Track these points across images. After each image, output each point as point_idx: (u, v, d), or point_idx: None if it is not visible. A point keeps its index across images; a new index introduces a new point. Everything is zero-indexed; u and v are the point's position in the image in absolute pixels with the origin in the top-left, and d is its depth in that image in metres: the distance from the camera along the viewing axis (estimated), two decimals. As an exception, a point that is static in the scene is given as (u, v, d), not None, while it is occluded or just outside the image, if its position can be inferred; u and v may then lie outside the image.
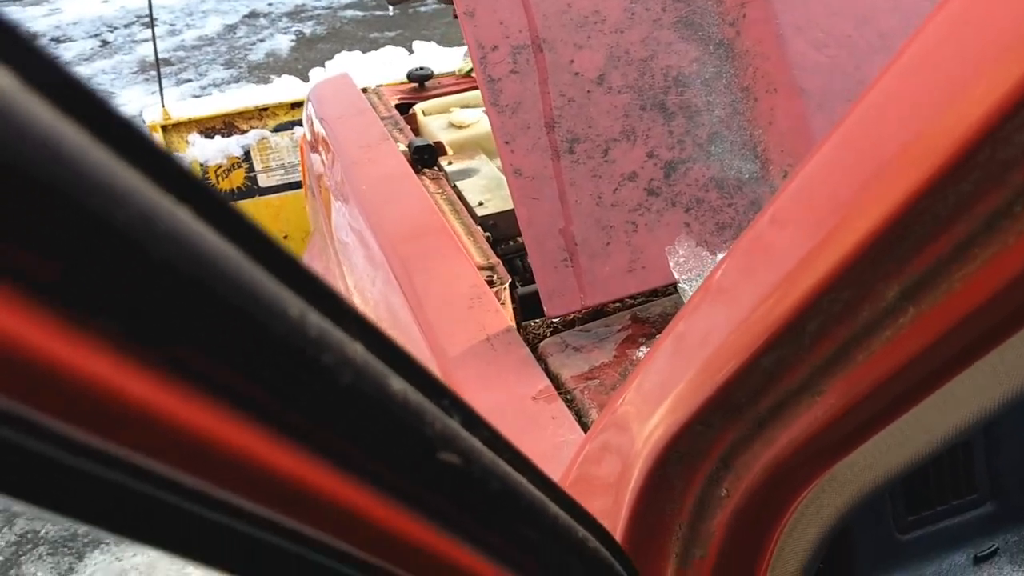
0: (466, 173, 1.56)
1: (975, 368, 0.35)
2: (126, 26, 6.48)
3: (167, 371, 0.20)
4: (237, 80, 5.33)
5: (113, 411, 0.19)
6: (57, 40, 6.41)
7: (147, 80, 5.43)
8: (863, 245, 0.33)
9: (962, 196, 0.30)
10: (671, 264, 0.89)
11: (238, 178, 3.06)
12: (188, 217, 0.19)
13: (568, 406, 0.81)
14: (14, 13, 6.98)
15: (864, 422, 0.39)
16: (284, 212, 3.09)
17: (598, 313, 0.94)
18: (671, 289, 0.94)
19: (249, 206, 3.01)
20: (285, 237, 3.09)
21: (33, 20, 6.82)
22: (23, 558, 2.14)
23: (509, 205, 1.28)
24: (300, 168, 2.98)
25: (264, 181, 3.08)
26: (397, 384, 0.25)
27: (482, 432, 0.29)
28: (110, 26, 6.50)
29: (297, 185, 3.01)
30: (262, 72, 5.41)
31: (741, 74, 0.96)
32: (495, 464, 0.30)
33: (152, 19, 2.46)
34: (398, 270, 1.15)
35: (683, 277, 0.89)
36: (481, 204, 1.42)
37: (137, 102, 5.15)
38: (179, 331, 0.19)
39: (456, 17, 1.00)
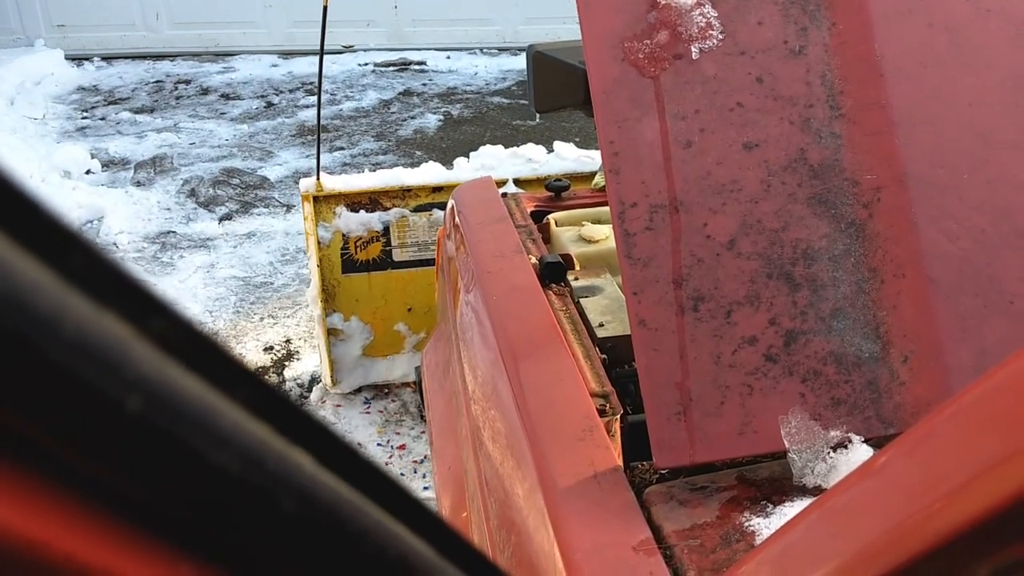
0: (590, 291, 1.62)
1: None
2: (291, 91, 6.98)
3: None
4: (385, 152, 5.64)
5: None
6: (227, 97, 6.96)
7: (304, 143, 5.82)
8: None
9: None
10: (783, 432, 0.92)
11: (375, 250, 3.24)
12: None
13: (667, 562, 0.84)
14: (193, 68, 7.63)
15: None
16: (412, 286, 3.25)
17: (705, 466, 0.97)
18: (779, 453, 0.96)
19: (381, 277, 3.19)
20: (410, 309, 3.25)
21: (208, 76, 7.45)
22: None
23: (627, 329, 1.33)
24: (432, 247, 3.13)
25: (398, 256, 3.25)
26: None
27: None
28: (277, 89, 7.02)
29: (427, 263, 3.18)
30: (408, 147, 5.70)
31: (870, 255, 0.99)
32: None
33: (319, 103, 2.67)
34: (516, 388, 1.21)
35: (793, 447, 0.92)
36: (602, 325, 1.47)
37: (293, 163, 5.52)
38: None
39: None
